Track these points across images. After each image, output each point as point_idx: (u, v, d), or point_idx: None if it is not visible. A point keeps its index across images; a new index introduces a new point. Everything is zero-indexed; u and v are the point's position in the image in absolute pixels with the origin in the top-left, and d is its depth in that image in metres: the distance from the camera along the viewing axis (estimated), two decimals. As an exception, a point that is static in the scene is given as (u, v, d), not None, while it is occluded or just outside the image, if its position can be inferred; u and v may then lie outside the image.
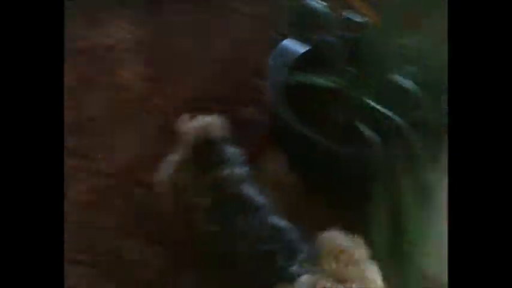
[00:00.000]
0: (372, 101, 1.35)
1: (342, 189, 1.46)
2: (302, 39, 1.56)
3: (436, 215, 1.24)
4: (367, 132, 1.33)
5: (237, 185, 1.14)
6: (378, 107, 1.34)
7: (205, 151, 1.18)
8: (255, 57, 1.82)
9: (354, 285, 0.93)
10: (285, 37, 1.61)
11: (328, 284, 0.93)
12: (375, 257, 1.08)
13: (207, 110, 1.78)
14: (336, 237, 1.01)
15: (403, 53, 1.36)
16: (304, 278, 0.96)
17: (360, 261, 0.97)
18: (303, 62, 1.48)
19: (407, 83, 1.33)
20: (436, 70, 1.34)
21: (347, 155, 1.38)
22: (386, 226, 1.22)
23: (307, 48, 1.49)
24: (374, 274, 0.98)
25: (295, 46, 1.55)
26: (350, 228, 1.25)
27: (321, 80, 1.34)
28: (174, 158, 1.23)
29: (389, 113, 1.32)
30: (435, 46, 1.33)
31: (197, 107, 1.83)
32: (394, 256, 1.22)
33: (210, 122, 1.21)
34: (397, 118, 1.31)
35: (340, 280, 0.93)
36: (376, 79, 1.37)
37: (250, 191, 1.15)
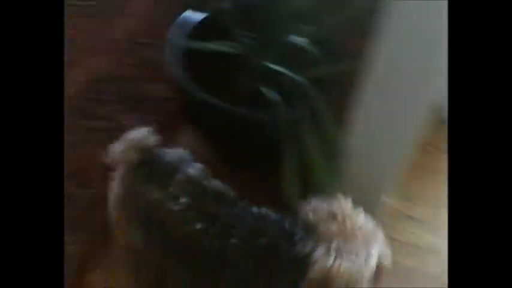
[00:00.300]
0: (273, 63, 1.35)
1: (255, 153, 1.46)
2: (202, 9, 1.54)
3: (341, 167, 1.27)
4: (271, 95, 1.33)
5: (201, 182, 1.09)
6: (279, 68, 1.34)
7: (152, 161, 1.11)
8: (160, 33, 1.78)
9: (358, 236, 0.96)
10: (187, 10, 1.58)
11: (341, 244, 0.95)
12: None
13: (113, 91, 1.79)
14: (320, 204, 1.02)
15: (298, 13, 1.37)
16: (318, 252, 0.95)
17: (352, 214, 1.00)
18: (200, 31, 1.46)
19: (305, 43, 1.34)
20: (331, 28, 1.37)
21: (254, 119, 1.38)
22: (300, 184, 1.25)
23: (204, 16, 1.47)
24: (365, 219, 1.01)
25: (193, 16, 1.52)
26: (269, 190, 1.27)
27: (218, 47, 1.33)
28: (117, 184, 1.14)
29: (291, 74, 1.33)
30: (329, 4, 1.35)
31: (103, 89, 1.81)
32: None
33: (141, 133, 1.14)
34: (298, 78, 1.32)
35: (347, 237, 0.96)
36: (274, 41, 1.37)
37: (218, 185, 1.11)
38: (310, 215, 1.00)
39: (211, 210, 1.06)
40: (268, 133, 1.38)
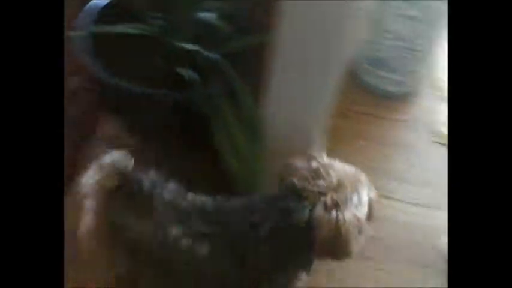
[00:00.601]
0: (185, 42, 1.34)
1: (182, 134, 1.46)
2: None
3: (259, 140, 1.28)
4: (187, 74, 1.33)
5: (181, 205, 1.03)
6: (192, 47, 1.33)
7: (127, 189, 1.02)
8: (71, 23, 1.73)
9: (346, 183, 0.98)
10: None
11: (334, 196, 0.95)
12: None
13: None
14: (299, 166, 1.02)
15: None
16: (317, 212, 0.95)
17: (332, 165, 1.02)
18: (107, 16, 1.42)
19: (214, 18, 1.34)
20: (238, 2, 1.37)
21: (174, 101, 1.37)
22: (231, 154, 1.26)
23: (108, 1, 1.44)
24: (343, 165, 1.04)
25: (100, 2, 1.48)
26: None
27: (125, 29, 1.29)
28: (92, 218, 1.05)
29: (204, 51, 1.32)
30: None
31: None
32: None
33: (118, 156, 1.04)
34: (212, 55, 1.32)
35: (337, 188, 0.97)
36: (184, 20, 1.36)
37: (195, 200, 1.05)
38: (295, 181, 0.99)
39: (203, 230, 1.00)
40: (192, 113, 1.37)
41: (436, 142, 1.79)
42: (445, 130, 1.81)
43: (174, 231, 0.99)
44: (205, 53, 1.32)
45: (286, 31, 1.13)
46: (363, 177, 1.03)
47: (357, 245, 0.97)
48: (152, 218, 1.01)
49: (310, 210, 0.95)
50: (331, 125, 1.46)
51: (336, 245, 0.97)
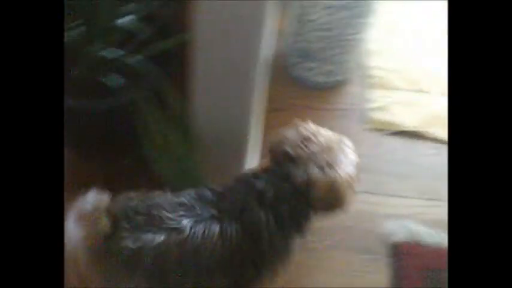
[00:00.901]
0: (107, 49, 1.33)
1: (114, 141, 1.45)
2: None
3: (191, 141, 1.28)
4: (111, 81, 1.31)
5: (176, 200, 1.04)
6: (114, 54, 1.33)
7: (113, 221, 0.99)
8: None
9: (334, 146, 1.06)
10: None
11: (327, 158, 1.03)
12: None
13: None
14: (290, 136, 1.08)
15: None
16: (313, 174, 1.02)
17: (319, 131, 1.08)
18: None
19: (133, 21, 1.33)
20: (157, 3, 1.37)
21: (102, 110, 1.35)
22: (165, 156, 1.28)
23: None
24: (326, 130, 1.10)
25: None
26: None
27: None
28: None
29: (126, 56, 1.32)
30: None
31: None
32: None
33: (92, 196, 1.00)
34: (134, 59, 1.32)
35: (328, 151, 1.04)
36: (103, 26, 1.34)
37: (196, 192, 1.06)
38: (288, 149, 1.05)
39: (209, 213, 1.02)
40: (122, 120, 1.35)
41: (367, 129, 1.83)
42: (374, 115, 1.87)
43: (186, 222, 1.00)
44: (128, 57, 1.31)
45: (205, 30, 1.13)
46: (347, 140, 1.11)
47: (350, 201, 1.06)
48: (162, 228, 0.99)
49: (307, 173, 1.02)
50: (267, 119, 1.47)
51: (333, 201, 1.05)
